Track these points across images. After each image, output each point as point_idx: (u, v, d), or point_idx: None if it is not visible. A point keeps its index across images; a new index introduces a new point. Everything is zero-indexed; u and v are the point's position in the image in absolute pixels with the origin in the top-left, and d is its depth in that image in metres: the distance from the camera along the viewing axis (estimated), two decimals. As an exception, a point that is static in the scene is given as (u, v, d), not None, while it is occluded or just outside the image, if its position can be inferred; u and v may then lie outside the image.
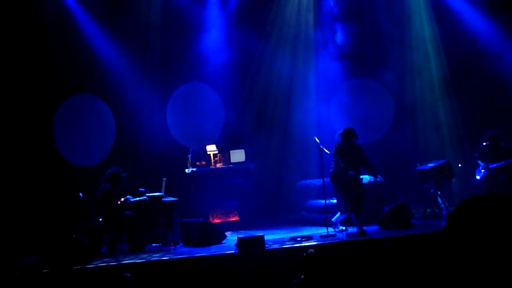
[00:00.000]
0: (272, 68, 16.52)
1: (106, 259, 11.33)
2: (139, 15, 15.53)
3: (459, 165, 15.82)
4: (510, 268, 1.79)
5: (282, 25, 16.82)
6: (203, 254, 11.20)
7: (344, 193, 12.67)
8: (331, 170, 12.71)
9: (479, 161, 14.60)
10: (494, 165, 14.32)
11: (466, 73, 16.62)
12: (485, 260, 1.80)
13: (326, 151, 12.65)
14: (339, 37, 16.82)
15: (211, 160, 15.12)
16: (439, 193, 14.20)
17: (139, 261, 10.94)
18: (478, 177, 14.48)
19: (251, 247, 10.98)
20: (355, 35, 16.82)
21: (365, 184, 14.39)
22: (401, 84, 16.82)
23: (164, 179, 13.33)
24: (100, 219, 12.30)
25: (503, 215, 1.83)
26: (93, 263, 10.78)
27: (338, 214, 12.92)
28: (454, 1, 16.74)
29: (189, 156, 15.04)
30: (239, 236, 11.59)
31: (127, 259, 11.24)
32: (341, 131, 12.83)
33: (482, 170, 14.49)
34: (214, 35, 16.17)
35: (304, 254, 8.62)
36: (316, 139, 12.81)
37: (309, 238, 12.24)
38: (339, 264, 7.98)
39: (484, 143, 14.49)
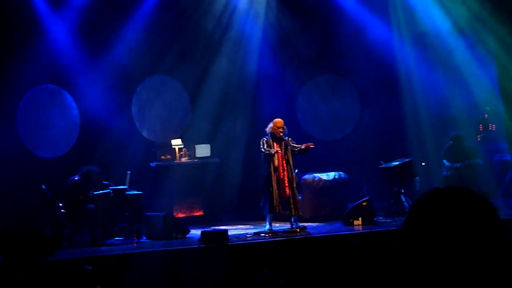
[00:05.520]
0: (238, 62, 16.44)
1: (67, 252, 11.25)
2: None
3: (423, 163, 15.94)
4: (465, 261, 1.80)
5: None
6: (167, 248, 11.17)
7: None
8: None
9: (444, 161, 14.79)
10: (456, 165, 14.54)
11: (430, 69, 16.71)
12: (443, 253, 1.80)
13: (293, 144, 12.64)
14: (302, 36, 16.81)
15: (176, 154, 15.07)
16: (402, 191, 14.32)
17: (101, 254, 10.87)
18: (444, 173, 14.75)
19: (214, 242, 10.98)
20: (318, 34, 16.84)
21: (329, 180, 14.48)
22: (366, 81, 16.87)
23: (129, 172, 13.27)
24: (64, 211, 12.19)
25: (460, 209, 1.84)
26: (55, 256, 10.68)
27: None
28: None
29: (154, 149, 14.98)
30: (203, 230, 11.59)
31: (88, 252, 11.16)
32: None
33: (446, 171, 14.68)
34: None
35: (268, 249, 8.63)
36: (284, 135, 12.75)
37: (273, 233, 12.26)
38: (302, 259, 8.00)
39: (446, 144, 14.77)
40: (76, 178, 12.32)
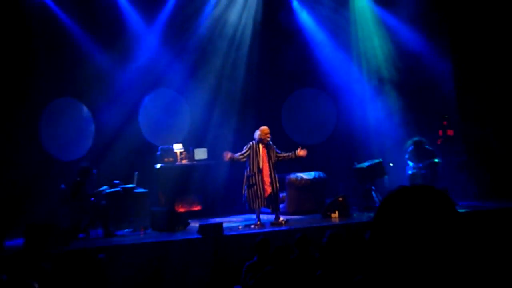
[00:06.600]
0: (232, 72, 16.47)
1: (83, 243, 11.21)
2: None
3: (391, 164, 15.96)
4: (428, 248, 1.80)
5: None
6: (169, 239, 11.14)
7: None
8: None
9: (408, 161, 14.82)
10: (419, 165, 14.57)
11: (404, 79, 16.70)
12: (409, 241, 1.81)
13: (278, 150, 12.62)
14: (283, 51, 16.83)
15: (177, 157, 15.04)
16: (373, 188, 14.33)
17: (113, 244, 10.82)
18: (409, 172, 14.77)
19: (211, 233, 10.94)
20: (299, 54, 16.85)
21: (310, 179, 14.49)
22: (341, 93, 16.95)
23: (136, 172, 13.26)
24: (79, 207, 12.15)
25: (423, 203, 1.85)
26: (71, 246, 10.64)
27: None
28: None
29: (158, 153, 14.95)
30: (201, 223, 11.57)
31: (101, 242, 11.12)
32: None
33: (411, 170, 14.70)
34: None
35: (257, 239, 8.63)
36: (270, 140, 12.73)
37: (261, 225, 12.25)
38: (288, 247, 7.97)
39: (409, 148, 14.79)
40: (77, 179, 12.23)
